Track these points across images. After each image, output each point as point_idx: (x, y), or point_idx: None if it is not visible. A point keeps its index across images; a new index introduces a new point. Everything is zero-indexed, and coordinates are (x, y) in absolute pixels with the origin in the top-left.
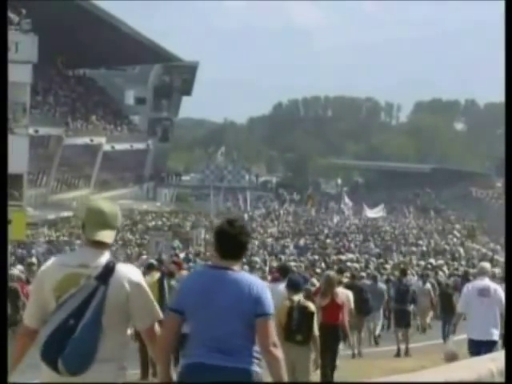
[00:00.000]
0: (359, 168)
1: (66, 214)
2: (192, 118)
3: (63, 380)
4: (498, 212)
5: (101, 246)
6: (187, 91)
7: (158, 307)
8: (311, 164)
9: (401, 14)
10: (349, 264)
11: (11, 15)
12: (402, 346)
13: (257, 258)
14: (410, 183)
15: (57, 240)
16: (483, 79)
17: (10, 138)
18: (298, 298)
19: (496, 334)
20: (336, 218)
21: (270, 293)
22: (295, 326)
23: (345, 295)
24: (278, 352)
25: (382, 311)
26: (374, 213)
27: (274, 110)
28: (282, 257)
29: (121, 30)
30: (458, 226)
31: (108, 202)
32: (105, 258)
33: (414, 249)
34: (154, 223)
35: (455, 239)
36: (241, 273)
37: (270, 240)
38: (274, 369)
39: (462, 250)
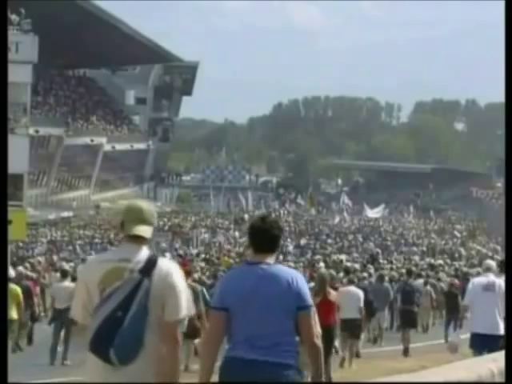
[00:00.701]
0: (360, 168)
1: (66, 214)
2: (192, 118)
3: (111, 370)
4: (499, 212)
5: (139, 241)
6: (187, 91)
7: (189, 306)
8: (311, 164)
9: (401, 14)
10: (349, 264)
11: (11, 15)
12: (407, 346)
13: None
14: (411, 183)
15: (62, 239)
16: (483, 79)
17: (11, 138)
18: None
19: (501, 329)
20: (337, 218)
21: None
22: None
23: (356, 294)
24: (320, 343)
25: (386, 311)
26: (375, 213)
27: (274, 110)
28: (281, 256)
29: (121, 30)
30: (458, 226)
31: (145, 201)
32: (144, 252)
33: (414, 249)
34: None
35: (455, 239)
36: (277, 266)
37: None
38: (315, 358)
39: (462, 250)
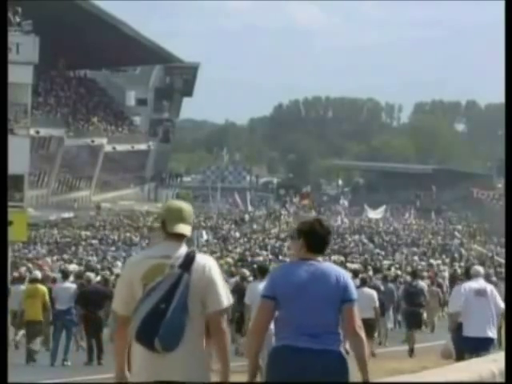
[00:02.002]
0: (360, 169)
1: (67, 214)
2: (193, 119)
3: (156, 357)
4: (499, 213)
5: (179, 238)
6: (188, 92)
7: (228, 296)
8: (312, 165)
9: (402, 15)
10: (348, 265)
11: (12, 16)
12: (412, 346)
13: (260, 258)
14: (411, 184)
15: (63, 240)
16: (484, 80)
17: (11, 139)
18: None
19: (493, 332)
20: (338, 220)
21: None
22: None
23: (370, 295)
24: (363, 333)
25: (391, 312)
26: (376, 214)
27: (274, 111)
28: (281, 257)
29: (122, 31)
30: (459, 227)
31: (183, 201)
32: (183, 249)
33: (414, 249)
34: (155, 224)
35: (456, 240)
36: (327, 263)
37: (271, 241)
38: (358, 348)
39: (463, 251)
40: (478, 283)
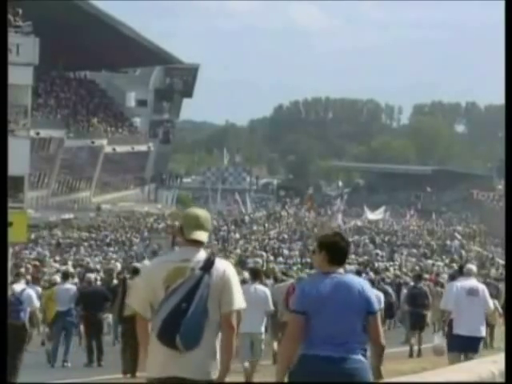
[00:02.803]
0: (360, 170)
1: (67, 215)
2: (193, 120)
3: (177, 355)
4: (499, 214)
5: (197, 244)
6: (188, 93)
7: (242, 299)
8: (312, 166)
9: (402, 16)
10: (347, 266)
11: (12, 17)
12: (415, 348)
13: (259, 260)
14: (411, 185)
15: (63, 241)
16: (484, 81)
17: (11, 141)
18: None
19: (483, 331)
20: (338, 220)
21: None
22: None
23: (376, 296)
24: (384, 342)
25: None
26: (376, 215)
27: (274, 112)
28: (281, 258)
29: (122, 32)
30: (459, 228)
31: (201, 208)
32: (202, 253)
33: (414, 250)
34: (155, 225)
35: (456, 241)
36: (349, 275)
37: (271, 242)
38: (377, 356)
39: (463, 252)
40: (470, 282)
